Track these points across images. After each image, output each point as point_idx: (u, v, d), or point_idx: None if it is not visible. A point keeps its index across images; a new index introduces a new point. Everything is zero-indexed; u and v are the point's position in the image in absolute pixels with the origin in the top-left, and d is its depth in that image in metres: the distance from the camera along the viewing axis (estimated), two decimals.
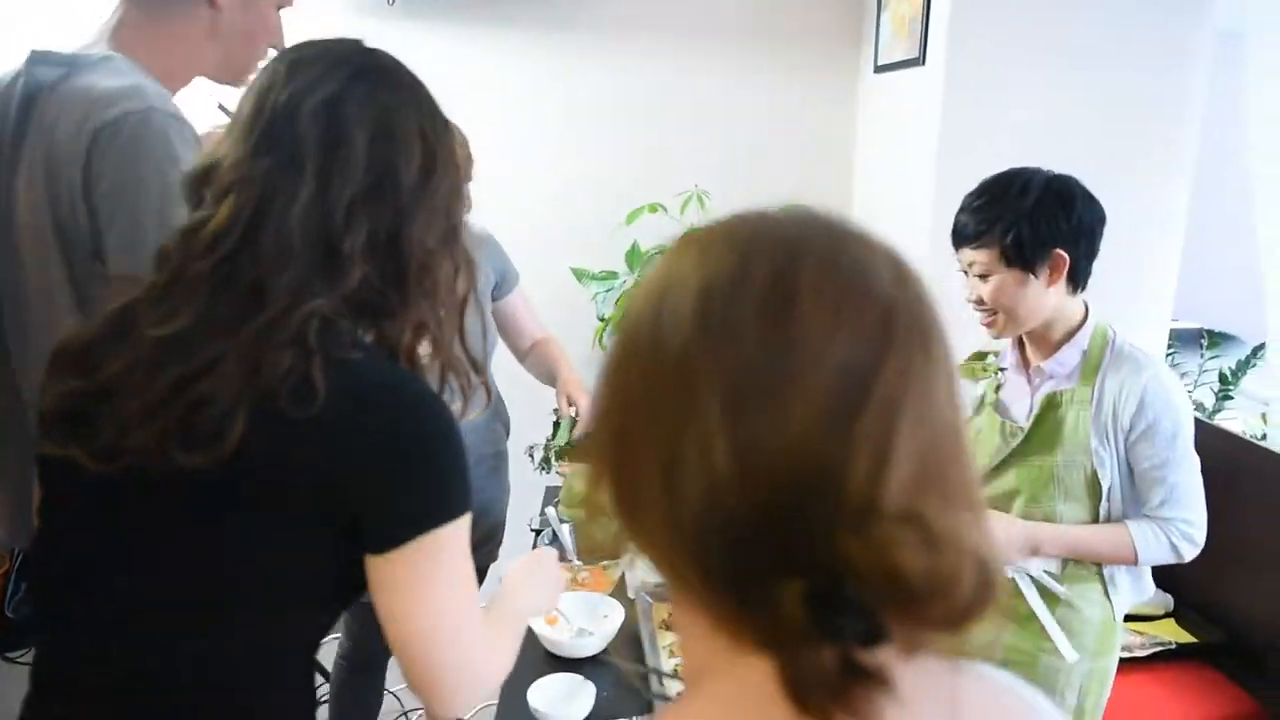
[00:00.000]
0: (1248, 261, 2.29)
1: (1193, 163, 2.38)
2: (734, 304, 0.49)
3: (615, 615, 1.68)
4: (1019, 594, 1.62)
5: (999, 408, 1.67)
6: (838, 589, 0.44)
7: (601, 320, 2.60)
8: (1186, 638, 2.32)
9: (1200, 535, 1.55)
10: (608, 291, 2.58)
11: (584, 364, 2.55)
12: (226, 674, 0.92)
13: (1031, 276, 1.51)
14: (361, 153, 0.89)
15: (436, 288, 0.96)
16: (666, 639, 1.62)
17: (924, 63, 2.32)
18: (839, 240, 0.52)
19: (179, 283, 0.88)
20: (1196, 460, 1.55)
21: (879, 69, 2.61)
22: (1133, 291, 2.44)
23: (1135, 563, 1.56)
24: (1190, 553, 1.55)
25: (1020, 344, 1.67)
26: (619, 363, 0.53)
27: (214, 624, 0.90)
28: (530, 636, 1.57)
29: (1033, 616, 1.60)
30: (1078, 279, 1.56)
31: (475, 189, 2.84)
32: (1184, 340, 3.20)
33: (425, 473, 0.90)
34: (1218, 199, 2.59)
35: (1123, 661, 2.19)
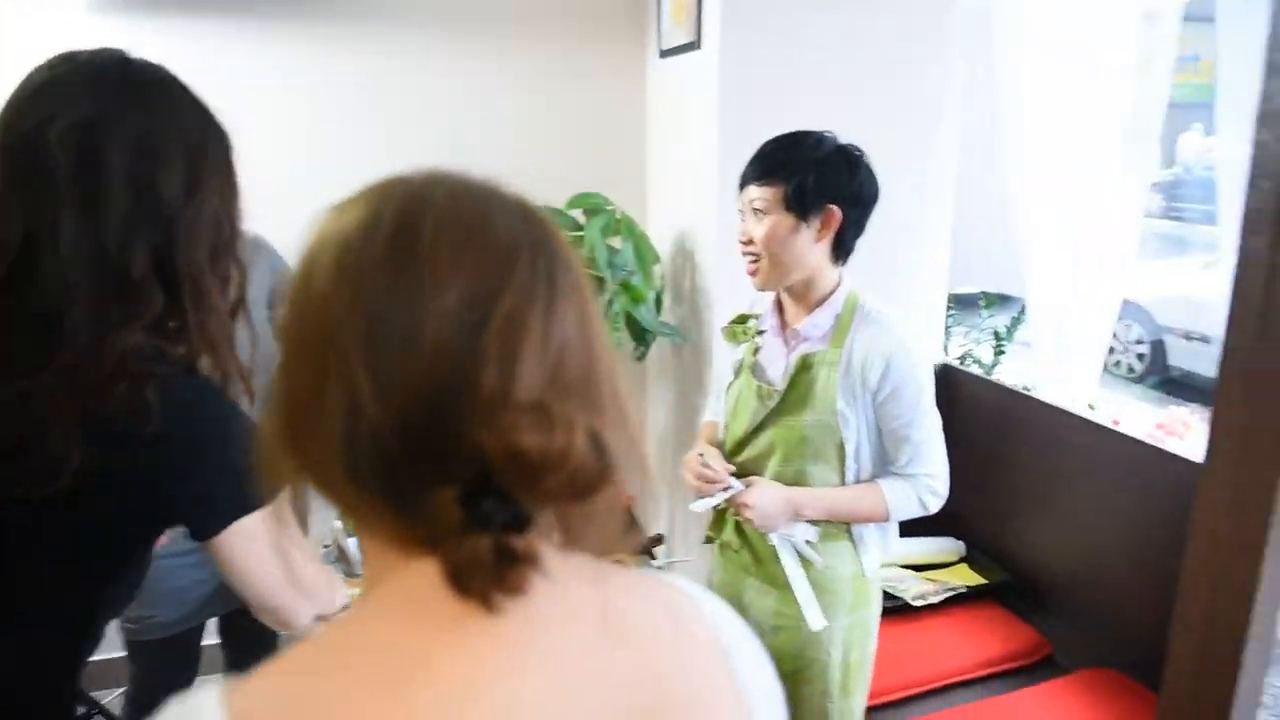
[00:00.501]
0: (1011, 226, 2.47)
1: (957, 138, 2.54)
2: (366, 249, 0.55)
3: None
4: (778, 561, 1.69)
5: (756, 370, 1.73)
6: (484, 483, 0.51)
7: None
8: (978, 580, 2.48)
9: (943, 487, 1.66)
10: None
11: None
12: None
13: (804, 225, 1.57)
14: (120, 174, 0.88)
15: (209, 301, 0.99)
16: None
17: (700, 46, 2.35)
18: (462, 190, 0.59)
19: None
20: (937, 417, 1.65)
21: (663, 53, 2.64)
22: (914, 262, 2.59)
23: (888, 518, 1.66)
24: (935, 504, 1.66)
25: (780, 308, 1.73)
26: (285, 322, 0.58)
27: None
28: None
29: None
30: (842, 247, 1.63)
31: (255, 196, 2.70)
32: (964, 304, 3.42)
33: (236, 472, 0.93)
34: (985, 172, 2.77)
35: (918, 608, 2.34)
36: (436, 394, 0.52)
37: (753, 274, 1.65)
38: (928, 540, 2.58)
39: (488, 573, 0.51)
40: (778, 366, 1.69)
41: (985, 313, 3.06)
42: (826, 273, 1.64)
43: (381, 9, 2.69)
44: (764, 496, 1.61)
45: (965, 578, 2.50)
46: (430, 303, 0.53)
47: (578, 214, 2.57)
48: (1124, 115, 2.42)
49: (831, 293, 1.65)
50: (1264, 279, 0.95)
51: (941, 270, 2.67)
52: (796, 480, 1.65)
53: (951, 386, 2.67)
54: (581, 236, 2.41)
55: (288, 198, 2.73)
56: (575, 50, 2.82)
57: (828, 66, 2.36)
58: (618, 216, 2.50)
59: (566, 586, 0.56)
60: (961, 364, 3.11)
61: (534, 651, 0.54)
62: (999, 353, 2.95)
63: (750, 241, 1.62)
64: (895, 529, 1.77)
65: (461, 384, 0.52)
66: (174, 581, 1.91)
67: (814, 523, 1.67)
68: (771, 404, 1.66)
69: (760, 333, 1.74)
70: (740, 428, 1.72)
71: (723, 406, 1.80)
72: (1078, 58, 2.39)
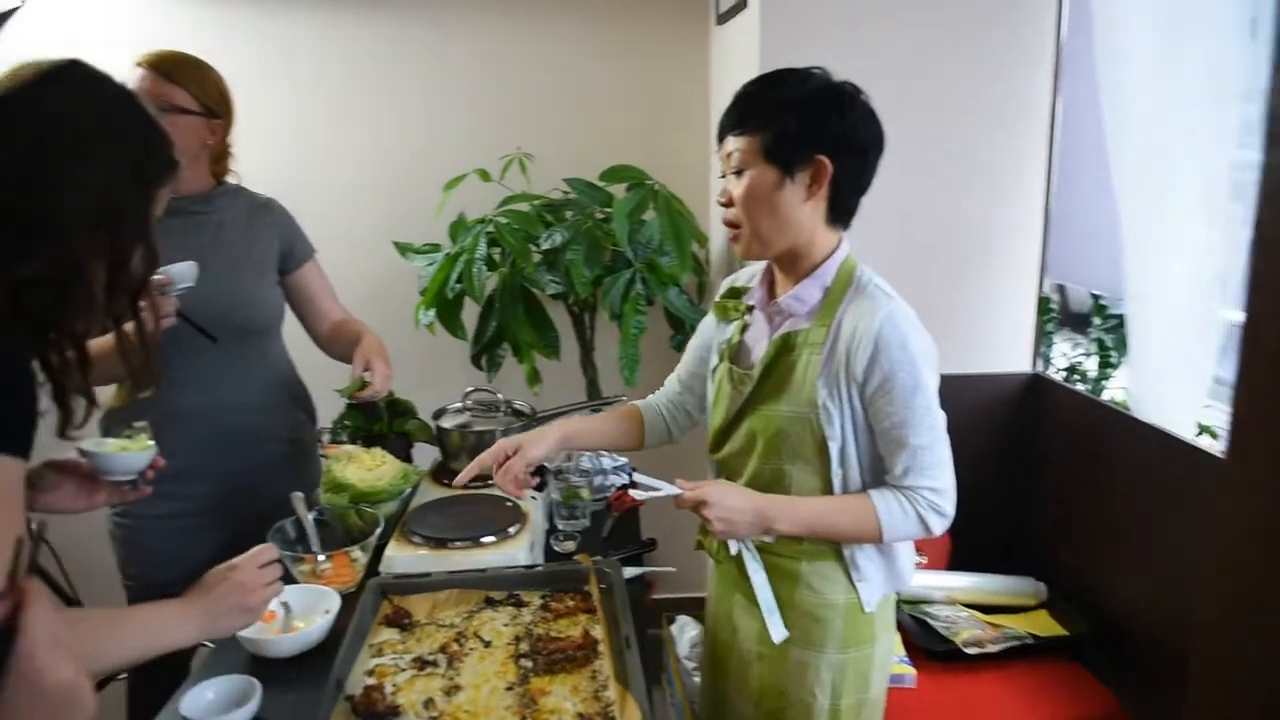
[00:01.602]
0: (1110, 222, 2.08)
1: (1047, 122, 2.18)
2: None
3: (334, 610, 1.48)
4: (744, 574, 1.42)
5: (740, 353, 1.46)
6: None
7: (422, 295, 2.40)
8: (1055, 631, 2.09)
9: (949, 506, 1.34)
10: (429, 265, 2.38)
11: (405, 341, 2.38)
12: None
13: (788, 180, 1.30)
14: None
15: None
16: (380, 635, 1.41)
17: (746, 4, 2.12)
18: None
19: None
20: (941, 418, 1.33)
21: (720, 18, 2.42)
22: (1000, 260, 2.25)
23: (880, 539, 1.35)
24: (939, 526, 1.34)
25: (770, 282, 1.46)
26: None
27: None
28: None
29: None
30: (839, 205, 1.35)
31: (293, 163, 2.70)
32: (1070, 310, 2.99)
33: None
34: (1082, 161, 2.38)
35: (971, 657, 1.98)
36: None
37: (734, 240, 1.40)
38: (1003, 579, 2.22)
39: None
40: (760, 348, 1.42)
41: (1096, 318, 2.63)
42: (821, 238, 1.37)
43: None
44: (727, 497, 1.33)
45: (1042, 626, 2.11)
46: None
47: (619, 188, 2.39)
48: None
49: (823, 261, 1.38)
50: None
51: (1030, 270, 2.30)
52: (774, 482, 1.38)
53: (1037, 399, 2.30)
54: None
55: (333, 172, 2.73)
56: (641, 17, 2.66)
57: (893, 31, 2.07)
58: (655, 190, 2.29)
59: None
60: (1068, 379, 2.69)
61: None
62: (1106, 366, 2.52)
63: (730, 203, 1.36)
64: (907, 556, 1.46)
65: None
66: (168, 541, 1.88)
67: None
68: (746, 390, 1.40)
69: (749, 309, 1.48)
70: (718, 418, 1.47)
71: (709, 394, 1.55)
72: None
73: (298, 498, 1.69)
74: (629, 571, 1.65)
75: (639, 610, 1.48)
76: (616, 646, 1.33)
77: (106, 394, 1.88)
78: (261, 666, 1.38)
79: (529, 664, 1.31)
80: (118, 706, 1.96)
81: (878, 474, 1.37)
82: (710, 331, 1.58)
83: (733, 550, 1.41)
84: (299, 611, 1.48)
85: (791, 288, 1.39)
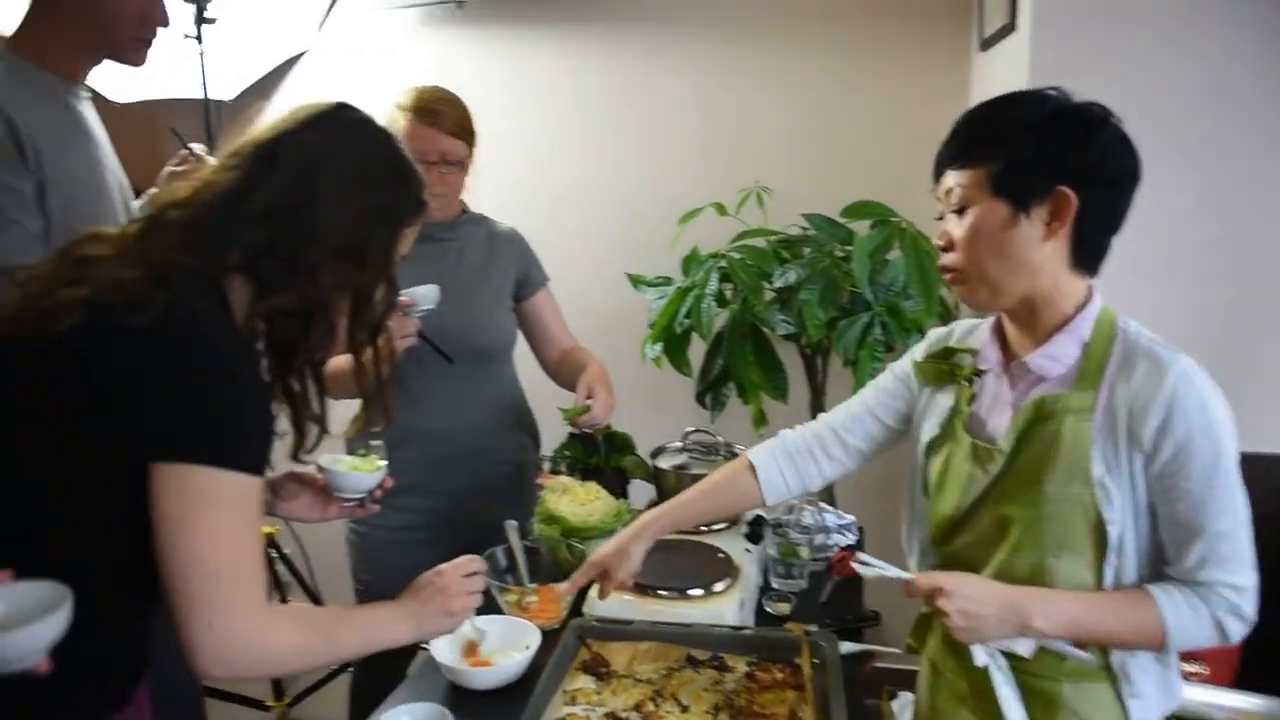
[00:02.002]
0: None
1: None
2: None
3: (533, 647, 1.45)
4: (981, 692, 1.20)
5: (972, 424, 1.25)
6: None
7: (651, 328, 2.37)
8: None
9: (1250, 608, 1.08)
10: (659, 298, 2.35)
11: (631, 374, 2.37)
12: None
13: (1023, 216, 1.11)
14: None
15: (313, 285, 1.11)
16: (576, 681, 1.36)
17: (1015, 28, 1.93)
18: None
19: None
20: (1244, 500, 1.07)
21: (984, 44, 2.22)
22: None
23: (1165, 647, 1.10)
24: (1238, 632, 1.08)
25: (1001, 336, 1.25)
26: None
27: None
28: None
29: None
30: (1086, 248, 1.14)
31: (532, 192, 2.79)
32: None
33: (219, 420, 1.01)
34: None
35: None
36: None
37: (958, 286, 1.21)
38: (1257, 699, 1.83)
39: None
40: (1003, 417, 1.21)
41: None
42: (1066, 285, 1.15)
43: (683, 17, 2.63)
44: (968, 586, 1.13)
45: None
46: None
47: (862, 226, 2.24)
48: None
49: (1076, 314, 1.16)
50: None
51: None
52: (1031, 579, 1.16)
53: None
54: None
55: (569, 200, 2.81)
56: (895, 45, 2.53)
57: (1194, 61, 1.80)
58: (902, 228, 2.12)
59: None
60: None
61: None
62: None
63: (950, 246, 1.18)
64: (1176, 670, 1.20)
65: None
66: (395, 552, 1.95)
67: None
68: (995, 470, 1.18)
69: (979, 373, 1.27)
70: (950, 504, 1.25)
71: (922, 475, 1.33)
72: None
73: (511, 526, 1.68)
74: (846, 647, 1.50)
75: (855, 681, 1.33)
76: None
77: (341, 421, 2.01)
78: (458, 696, 1.38)
79: None
80: (343, 697, 2.11)
81: (1156, 567, 1.14)
82: (905, 394, 1.38)
83: (979, 661, 1.16)
84: (498, 645, 1.47)
85: (1034, 346, 1.18)
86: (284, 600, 2.87)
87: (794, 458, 1.43)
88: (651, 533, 1.43)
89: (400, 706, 1.30)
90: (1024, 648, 1.14)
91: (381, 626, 1.20)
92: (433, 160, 1.84)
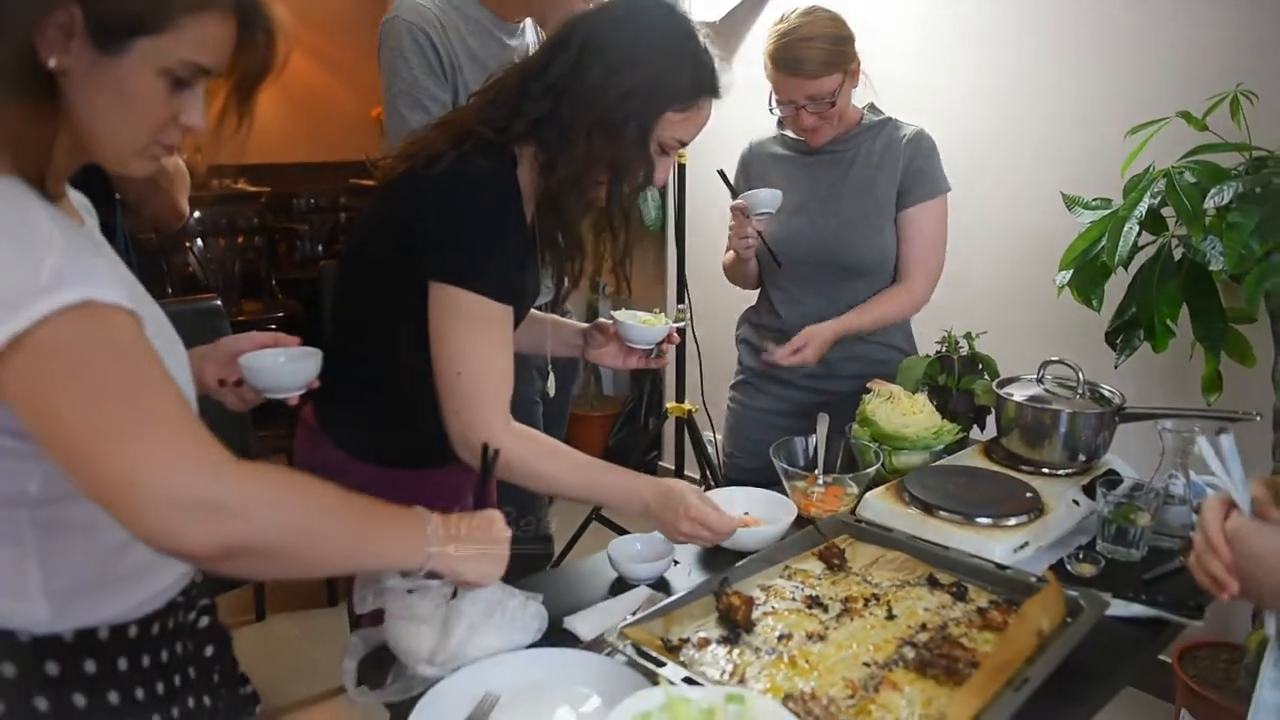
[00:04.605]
0: None
1: None
2: None
3: (786, 523, 1.46)
4: None
5: None
6: None
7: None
8: None
9: None
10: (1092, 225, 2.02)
11: (1045, 305, 2.16)
12: None
13: None
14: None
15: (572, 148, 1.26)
16: (805, 562, 1.34)
17: None
18: None
19: None
20: None
21: None
22: None
23: None
24: None
25: None
26: None
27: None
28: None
29: None
30: None
31: (952, 94, 2.56)
32: None
33: (475, 249, 1.23)
34: None
35: None
36: None
37: None
38: None
39: None
40: None
41: None
42: None
43: None
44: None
45: None
46: None
47: None
48: None
49: None
50: None
51: None
52: None
53: None
54: None
55: (1028, 100, 2.52)
56: None
57: None
58: None
59: None
60: None
61: None
62: None
63: None
64: None
65: None
66: (755, 431, 2.07)
67: None
68: None
69: None
70: None
71: None
72: None
73: (823, 418, 1.68)
74: (1129, 610, 1.24)
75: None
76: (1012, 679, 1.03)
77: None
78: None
79: (910, 654, 1.12)
80: None
81: None
82: None
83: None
84: (763, 515, 1.52)
85: None
86: None
87: None
88: None
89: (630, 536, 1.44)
90: None
91: (627, 489, 1.33)
92: (801, 105, 1.85)
